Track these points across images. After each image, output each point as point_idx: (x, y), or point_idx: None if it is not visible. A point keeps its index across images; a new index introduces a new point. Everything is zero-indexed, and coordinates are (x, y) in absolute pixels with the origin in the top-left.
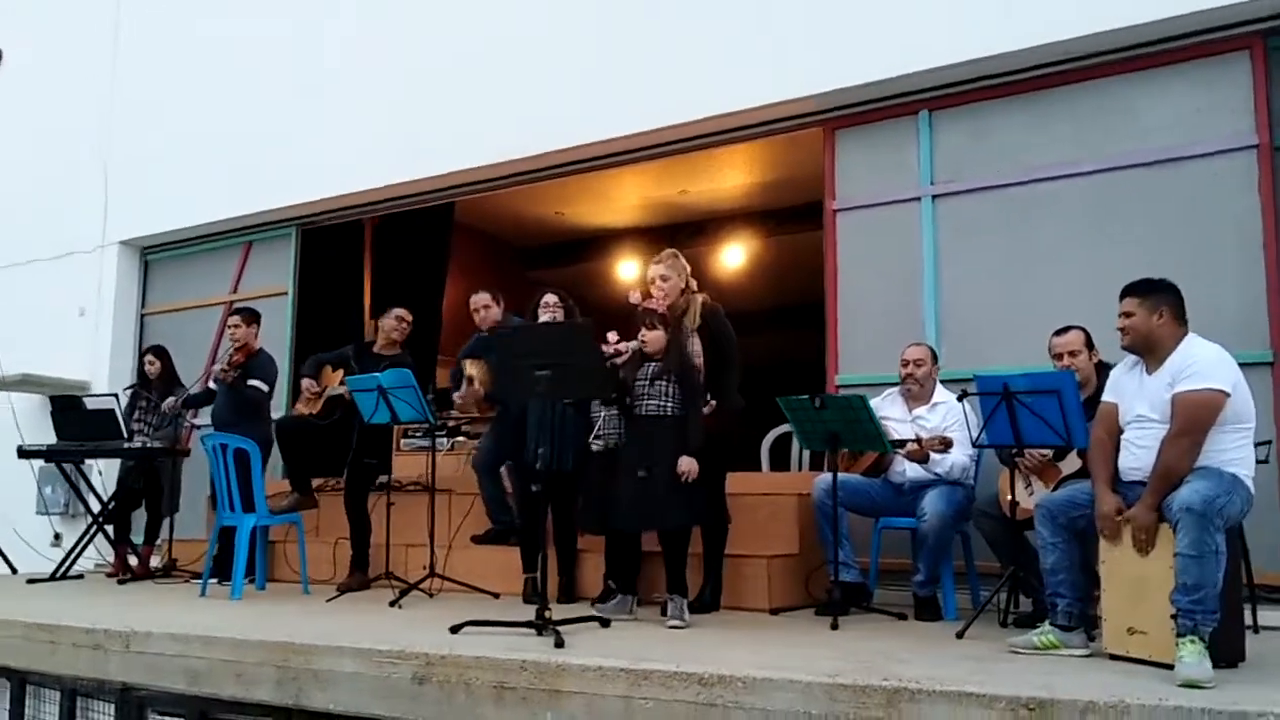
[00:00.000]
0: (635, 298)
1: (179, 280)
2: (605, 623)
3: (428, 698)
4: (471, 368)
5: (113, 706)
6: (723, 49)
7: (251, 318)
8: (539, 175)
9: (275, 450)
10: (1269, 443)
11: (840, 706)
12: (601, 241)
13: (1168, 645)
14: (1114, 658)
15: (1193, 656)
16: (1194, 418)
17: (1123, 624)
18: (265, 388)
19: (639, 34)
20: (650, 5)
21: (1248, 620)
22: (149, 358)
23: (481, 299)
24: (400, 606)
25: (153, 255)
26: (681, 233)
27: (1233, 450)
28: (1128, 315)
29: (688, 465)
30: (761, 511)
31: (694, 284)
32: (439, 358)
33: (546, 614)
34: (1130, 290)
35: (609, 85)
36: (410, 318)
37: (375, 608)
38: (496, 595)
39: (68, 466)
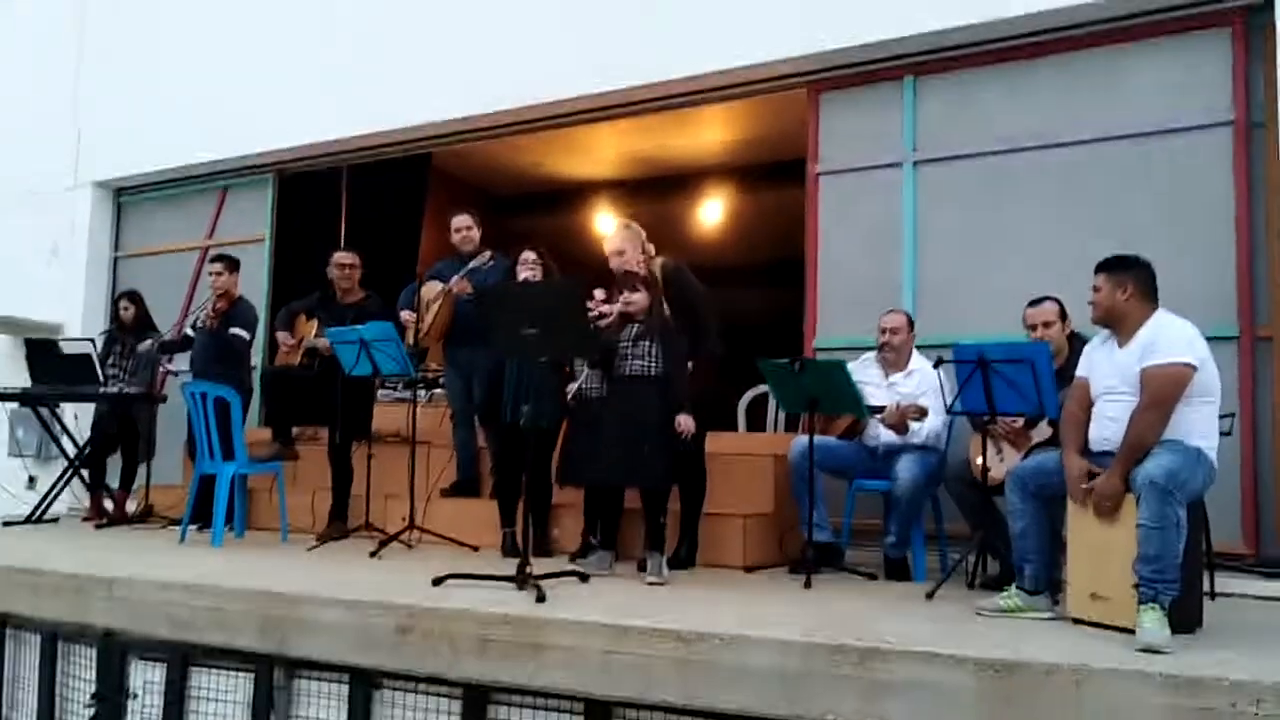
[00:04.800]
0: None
1: (154, 224)
2: (584, 578)
3: (410, 649)
4: (429, 293)
5: (95, 651)
6: (709, 7)
7: (233, 265)
8: (517, 128)
9: (254, 398)
10: (1232, 415)
11: (815, 664)
12: (579, 193)
13: (1129, 611)
14: (1077, 622)
15: (1153, 623)
16: (1162, 391)
17: (1086, 589)
18: (247, 335)
19: None
20: None
21: (1205, 587)
22: (124, 303)
23: (464, 220)
24: (380, 558)
25: (127, 197)
26: (660, 186)
27: (1199, 424)
28: (1096, 290)
29: (686, 424)
30: (738, 471)
31: (651, 249)
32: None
33: (527, 569)
34: (1101, 266)
35: (591, 42)
36: (351, 260)
37: (355, 558)
38: (475, 548)
39: (42, 410)
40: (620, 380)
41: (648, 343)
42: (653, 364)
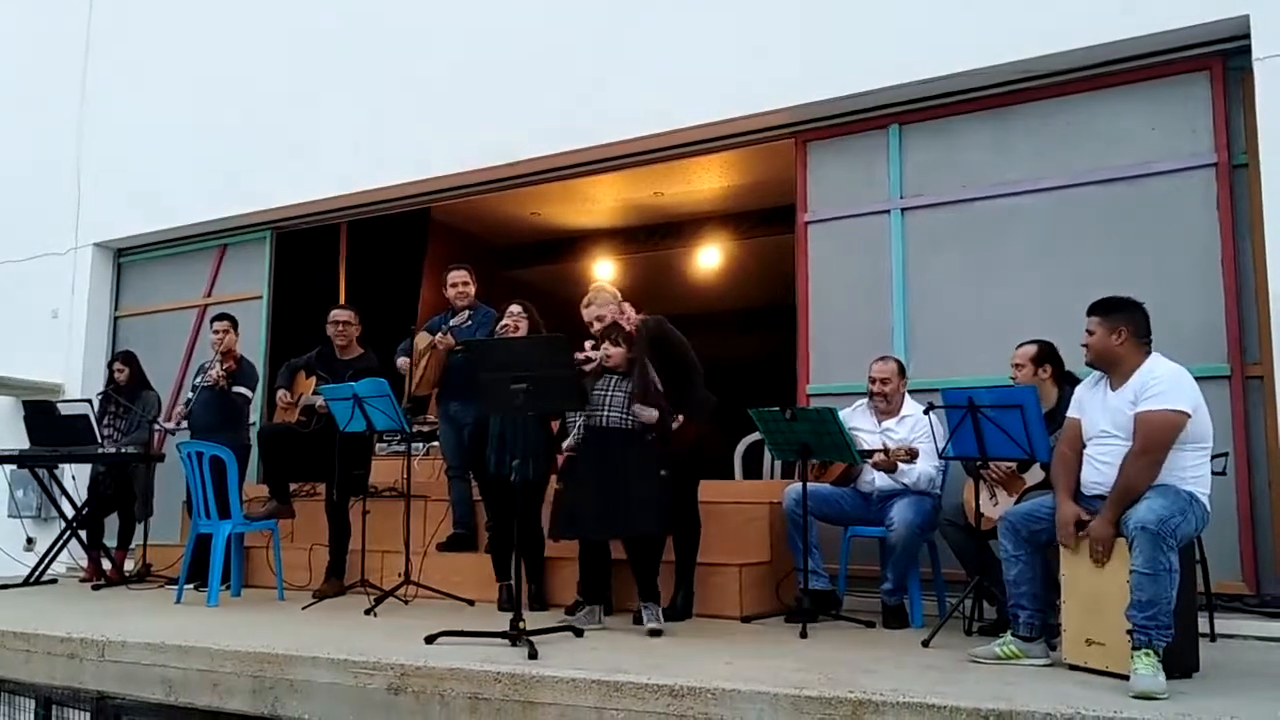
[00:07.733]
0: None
1: (153, 283)
2: (579, 633)
3: (403, 708)
4: (422, 343)
5: (88, 715)
6: (697, 62)
7: (235, 324)
8: (515, 182)
9: (253, 454)
10: (1226, 454)
11: (806, 718)
12: (577, 241)
13: (1124, 657)
14: (1073, 668)
15: (1147, 669)
16: (1155, 437)
17: (1081, 635)
18: (249, 394)
19: (614, 46)
20: (625, 18)
21: (1204, 629)
22: (117, 365)
23: (460, 275)
24: (376, 614)
25: (126, 258)
26: (656, 234)
27: (1191, 469)
28: (1090, 333)
29: (648, 415)
30: (734, 520)
31: (629, 309)
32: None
33: (520, 625)
34: (1093, 309)
35: (584, 97)
36: (347, 316)
37: (351, 616)
38: (471, 602)
39: (41, 471)
40: (598, 432)
41: (626, 395)
42: (630, 417)
